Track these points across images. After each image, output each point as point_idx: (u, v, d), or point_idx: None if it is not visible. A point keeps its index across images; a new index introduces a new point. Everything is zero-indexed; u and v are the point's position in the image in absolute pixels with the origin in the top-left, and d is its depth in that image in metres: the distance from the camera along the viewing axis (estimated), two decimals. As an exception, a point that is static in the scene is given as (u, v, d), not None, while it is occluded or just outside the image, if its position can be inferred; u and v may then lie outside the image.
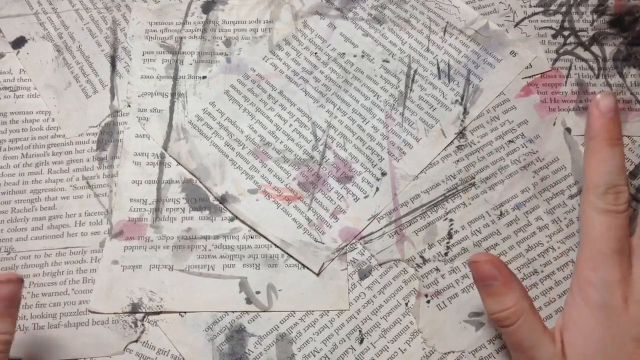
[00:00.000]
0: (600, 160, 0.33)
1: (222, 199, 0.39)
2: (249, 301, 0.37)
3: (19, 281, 0.31)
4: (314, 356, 0.36)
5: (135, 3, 0.44)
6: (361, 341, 0.37)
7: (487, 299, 0.32)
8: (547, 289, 0.38)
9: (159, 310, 0.37)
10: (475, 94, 0.42)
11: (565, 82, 0.42)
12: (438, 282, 0.38)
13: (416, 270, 0.38)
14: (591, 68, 0.43)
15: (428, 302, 0.37)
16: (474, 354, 0.36)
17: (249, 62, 0.43)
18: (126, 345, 0.36)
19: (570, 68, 0.43)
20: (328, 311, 0.37)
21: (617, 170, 0.32)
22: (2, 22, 0.44)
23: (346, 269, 0.38)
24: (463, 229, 0.39)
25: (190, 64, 0.43)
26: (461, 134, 0.41)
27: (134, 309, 0.37)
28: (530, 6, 0.45)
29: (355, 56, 0.43)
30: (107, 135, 0.41)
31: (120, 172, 0.40)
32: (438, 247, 0.38)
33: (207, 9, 0.44)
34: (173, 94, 0.42)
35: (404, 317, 0.37)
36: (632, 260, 0.32)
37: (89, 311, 0.37)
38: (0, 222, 0.39)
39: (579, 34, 0.44)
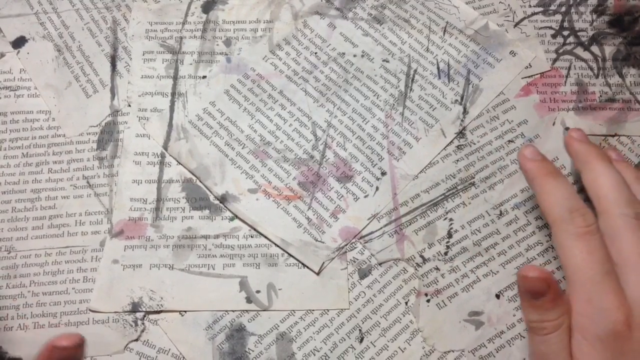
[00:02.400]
0: (550, 193, 0.33)
1: (222, 199, 0.39)
2: (249, 300, 0.37)
3: (80, 346, 0.29)
4: (314, 355, 0.36)
5: (136, 3, 0.44)
6: (361, 340, 0.37)
7: (528, 309, 0.31)
8: (546, 288, 0.38)
9: (159, 310, 0.37)
10: (475, 94, 0.42)
11: (565, 82, 0.42)
12: (438, 281, 0.38)
13: (416, 269, 0.38)
14: (591, 68, 0.43)
15: (428, 301, 0.37)
16: (473, 353, 0.36)
17: (249, 61, 0.43)
18: (126, 344, 0.36)
19: (569, 68, 0.43)
20: (328, 310, 0.37)
21: (572, 196, 0.32)
22: (3, 22, 0.44)
23: (346, 268, 0.38)
24: (463, 229, 0.39)
25: (191, 64, 0.43)
26: (461, 133, 0.41)
27: (135, 308, 0.37)
28: (530, 6, 0.45)
29: (355, 56, 0.43)
30: (108, 135, 0.41)
31: (121, 172, 0.40)
32: (438, 246, 0.39)
33: (207, 8, 0.44)
34: (173, 94, 0.42)
35: (404, 316, 0.37)
36: (621, 283, 0.30)
37: (90, 310, 0.37)
38: (1, 222, 0.39)
39: (579, 34, 0.44)
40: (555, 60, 0.43)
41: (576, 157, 0.35)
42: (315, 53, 0.43)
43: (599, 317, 0.29)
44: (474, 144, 0.41)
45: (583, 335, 0.30)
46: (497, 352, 0.36)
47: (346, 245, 0.38)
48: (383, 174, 0.40)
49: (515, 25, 0.44)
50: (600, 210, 0.32)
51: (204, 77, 0.42)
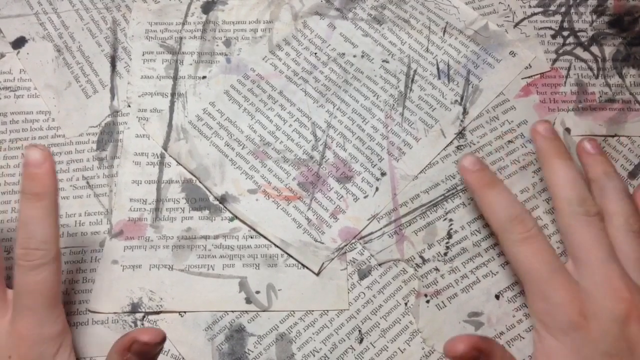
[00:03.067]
0: (490, 203, 0.34)
1: (222, 199, 0.39)
2: (248, 301, 0.37)
3: (161, 342, 0.30)
4: (314, 356, 0.36)
5: (135, 3, 0.44)
6: (361, 341, 0.37)
7: None
8: (546, 288, 0.38)
9: (158, 310, 0.37)
10: (474, 94, 0.42)
11: (565, 82, 0.42)
12: (437, 282, 0.38)
13: (416, 270, 0.38)
14: (590, 68, 0.43)
15: (427, 302, 0.37)
16: (473, 354, 0.36)
17: (249, 62, 0.43)
18: (126, 345, 0.36)
19: (569, 68, 0.43)
20: (328, 311, 0.37)
21: (510, 204, 0.33)
22: (3, 22, 0.44)
23: (346, 268, 0.38)
24: (462, 229, 0.39)
25: (190, 64, 0.43)
26: (461, 134, 0.41)
27: (134, 308, 0.37)
28: (530, 6, 0.45)
29: (355, 56, 0.43)
30: (107, 135, 0.41)
31: (120, 172, 0.40)
32: (437, 247, 0.38)
33: (207, 9, 0.44)
34: (173, 94, 0.42)
35: (404, 316, 0.37)
36: (577, 278, 0.32)
37: (89, 311, 0.37)
38: (0, 222, 0.39)
39: (579, 34, 0.44)
40: (555, 61, 0.43)
41: (538, 152, 0.36)
42: (315, 53, 0.43)
43: (555, 312, 0.31)
44: (474, 144, 0.41)
45: (547, 331, 0.32)
46: (497, 352, 0.36)
47: (346, 245, 0.38)
48: (383, 174, 0.40)
49: (515, 26, 0.44)
50: (555, 208, 0.34)
51: (204, 77, 0.42)
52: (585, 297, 0.31)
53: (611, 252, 0.32)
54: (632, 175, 0.40)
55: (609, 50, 0.43)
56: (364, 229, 0.39)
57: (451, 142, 0.41)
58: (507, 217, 0.33)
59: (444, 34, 0.43)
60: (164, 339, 0.30)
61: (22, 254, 0.30)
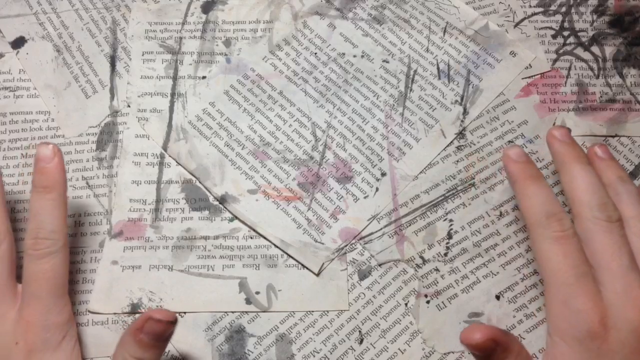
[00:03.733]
0: (530, 196, 0.33)
1: (222, 199, 0.39)
2: (248, 301, 0.37)
3: (173, 323, 0.31)
4: (314, 356, 0.36)
5: (135, 3, 0.44)
6: (361, 341, 0.37)
7: None
8: (546, 289, 0.38)
9: (158, 311, 0.37)
10: (475, 94, 0.42)
11: (565, 82, 0.42)
12: (438, 282, 0.38)
13: (416, 270, 0.38)
14: (591, 68, 0.43)
15: (428, 302, 0.37)
16: (473, 355, 0.36)
17: (249, 62, 0.43)
18: (126, 346, 0.36)
19: (570, 68, 0.43)
20: (328, 311, 0.37)
21: (550, 200, 0.32)
22: (2, 22, 0.44)
23: (346, 269, 0.38)
24: (463, 230, 0.39)
25: (190, 64, 0.43)
26: (461, 134, 0.41)
27: (134, 309, 0.37)
28: (530, 6, 0.45)
29: (355, 56, 0.43)
30: (107, 136, 0.41)
31: (120, 173, 0.40)
32: (438, 247, 0.38)
33: (206, 9, 0.44)
34: (173, 94, 0.42)
35: (404, 317, 0.37)
36: (598, 285, 0.31)
37: (89, 311, 0.37)
38: (0, 223, 0.39)
39: (579, 34, 0.44)
40: (555, 61, 0.43)
41: (555, 157, 0.35)
42: (315, 53, 0.43)
43: (574, 319, 0.30)
44: (474, 144, 0.41)
45: (561, 337, 0.31)
46: (497, 353, 0.36)
47: (346, 246, 0.38)
48: (383, 174, 0.40)
49: (515, 26, 0.44)
50: (575, 214, 0.33)
51: (204, 77, 0.42)
52: (608, 307, 0.30)
53: (632, 260, 0.31)
54: (632, 175, 0.40)
55: (609, 50, 0.43)
56: (364, 229, 0.39)
57: (451, 142, 0.41)
58: (545, 213, 0.32)
59: (444, 34, 0.43)
60: (176, 319, 0.31)
61: (32, 244, 0.32)
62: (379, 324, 0.37)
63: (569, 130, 0.35)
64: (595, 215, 0.32)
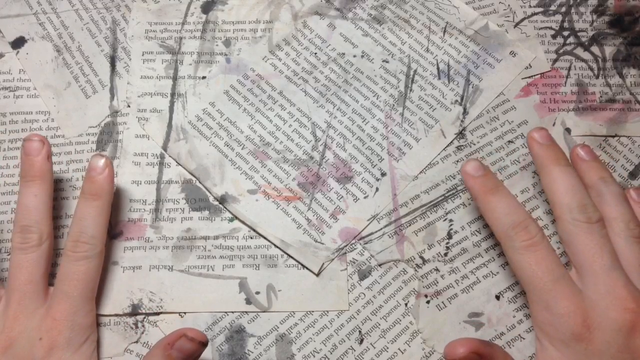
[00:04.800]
0: (492, 210, 0.33)
1: (222, 199, 0.39)
2: (248, 301, 0.37)
3: (204, 345, 0.32)
4: (314, 357, 0.36)
5: (135, 3, 0.44)
6: (361, 341, 0.37)
7: None
8: (546, 289, 0.38)
9: (159, 311, 0.37)
10: (475, 94, 0.42)
11: (565, 82, 0.42)
12: (438, 282, 0.38)
13: (416, 270, 0.38)
14: (591, 68, 0.43)
15: (428, 302, 0.37)
16: (473, 355, 0.36)
17: (249, 62, 0.43)
18: (126, 347, 0.36)
19: (569, 68, 0.43)
20: (328, 311, 0.37)
21: (513, 210, 0.33)
22: (2, 22, 0.44)
23: (346, 269, 0.38)
24: (463, 230, 0.39)
25: (190, 64, 0.43)
26: (461, 134, 0.41)
27: (134, 310, 0.37)
28: (530, 6, 0.45)
29: (355, 56, 0.43)
30: (107, 136, 0.41)
31: (120, 173, 0.40)
32: (438, 247, 0.38)
33: (206, 9, 0.44)
34: (173, 94, 0.42)
35: (404, 317, 0.37)
36: (578, 286, 0.31)
37: (89, 312, 0.37)
38: (0, 223, 0.39)
39: (579, 34, 0.44)
40: (555, 61, 0.43)
41: (535, 160, 0.35)
42: (315, 53, 0.43)
43: (558, 323, 0.31)
44: (474, 144, 0.41)
45: (549, 342, 0.31)
46: (497, 353, 0.36)
47: (346, 246, 0.38)
48: (383, 174, 0.40)
49: (515, 26, 0.44)
50: (556, 216, 0.33)
51: (204, 77, 0.42)
52: (589, 307, 0.30)
53: (615, 259, 0.31)
54: (632, 175, 0.40)
55: (609, 50, 0.43)
56: (364, 229, 0.39)
57: (451, 142, 0.41)
58: (510, 224, 0.32)
59: (444, 34, 0.43)
60: (207, 342, 0.32)
61: (72, 246, 0.34)
62: (379, 324, 0.37)
63: (547, 131, 0.35)
64: (575, 217, 0.32)
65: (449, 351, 0.30)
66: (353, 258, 0.38)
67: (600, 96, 0.42)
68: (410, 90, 0.42)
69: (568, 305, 0.30)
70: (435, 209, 0.39)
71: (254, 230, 0.39)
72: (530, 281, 0.31)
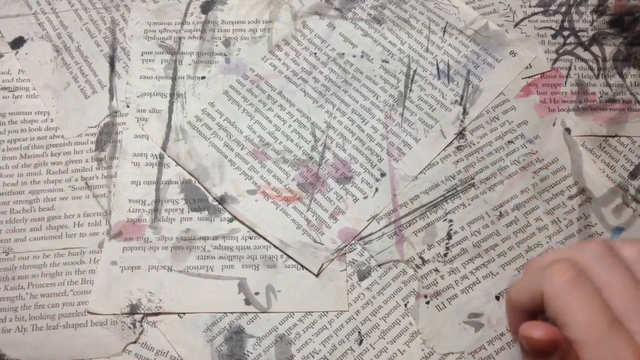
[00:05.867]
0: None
1: (221, 200, 0.39)
2: (248, 302, 0.37)
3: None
4: (313, 357, 0.36)
5: (134, 3, 0.44)
6: (360, 342, 0.37)
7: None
8: (546, 289, 0.37)
9: (157, 312, 0.37)
10: (474, 94, 0.42)
11: (565, 82, 0.42)
12: (437, 283, 0.38)
13: (415, 271, 0.38)
14: (591, 68, 0.43)
15: (427, 303, 0.37)
16: (473, 355, 0.36)
17: (248, 62, 0.43)
18: (125, 347, 0.36)
19: (570, 68, 0.43)
20: (327, 312, 0.37)
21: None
22: (1, 22, 0.44)
23: (345, 269, 0.38)
24: (462, 230, 0.39)
25: (189, 64, 0.42)
26: (461, 134, 0.41)
27: (133, 310, 0.37)
28: (530, 6, 0.45)
29: (354, 56, 0.43)
30: (106, 136, 0.41)
31: (119, 173, 0.40)
32: (437, 247, 0.38)
33: (206, 9, 0.44)
34: (172, 95, 0.42)
35: (404, 318, 0.37)
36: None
37: (88, 312, 0.37)
38: (0, 223, 0.39)
39: (579, 34, 0.44)
40: (555, 61, 0.43)
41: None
42: (315, 53, 0.43)
43: None
44: (474, 144, 0.41)
45: None
46: (497, 354, 0.36)
47: (345, 246, 0.38)
48: (382, 175, 0.40)
49: (515, 26, 0.44)
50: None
51: (203, 77, 0.42)
52: None
53: None
54: (632, 175, 0.40)
55: (609, 50, 0.43)
56: (363, 229, 0.39)
57: (451, 142, 0.41)
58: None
59: (444, 34, 0.43)
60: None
61: None
62: (379, 325, 0.37)
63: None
64: None
65: (525, 330, 0.26)
66: (352, 258, 0.38)
67: (601, 96, 0.42)
68: (410, 90, 0.42)
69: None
70: (435, 209, 0.39)
71: (253, 231, 0.38)
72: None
